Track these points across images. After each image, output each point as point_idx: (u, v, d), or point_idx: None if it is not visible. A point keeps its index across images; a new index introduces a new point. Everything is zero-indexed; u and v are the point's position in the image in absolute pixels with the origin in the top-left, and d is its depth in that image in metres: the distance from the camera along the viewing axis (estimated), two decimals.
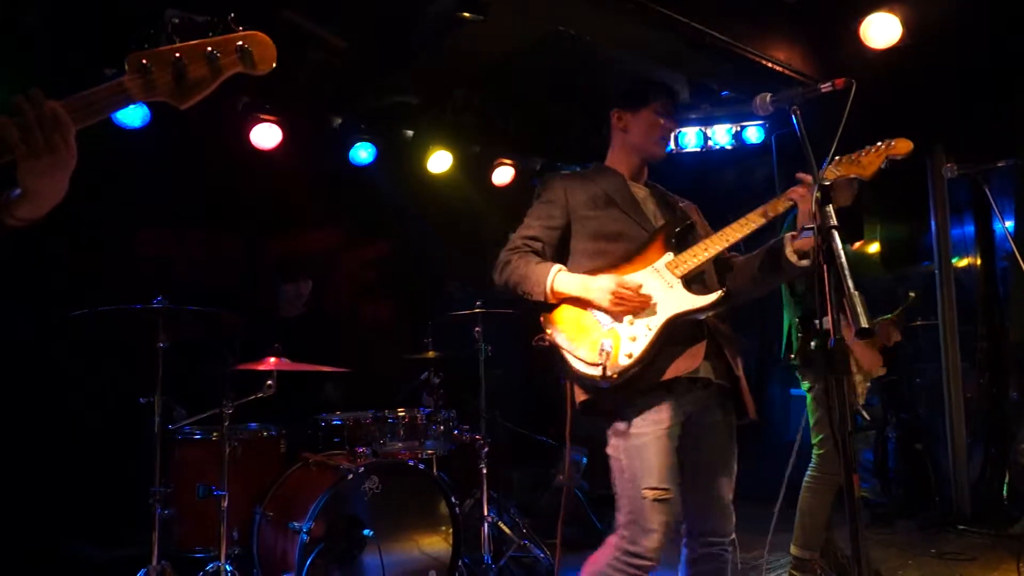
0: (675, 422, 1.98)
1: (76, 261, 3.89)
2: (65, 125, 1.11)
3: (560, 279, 2.08)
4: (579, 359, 2.00)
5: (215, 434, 3.19)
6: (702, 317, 2.01)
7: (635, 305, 1.98)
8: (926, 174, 5.04)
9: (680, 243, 2.10)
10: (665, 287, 2.02)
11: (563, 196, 2.22)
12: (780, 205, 2.05)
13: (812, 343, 3.37)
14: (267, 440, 3.39)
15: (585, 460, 4.63)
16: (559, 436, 4.68)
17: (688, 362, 1.99)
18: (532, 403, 5.28)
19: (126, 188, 4.11)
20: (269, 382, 3.07)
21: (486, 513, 3.60)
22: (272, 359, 3.20)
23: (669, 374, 1.96)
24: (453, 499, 3.24)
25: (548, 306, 2.11)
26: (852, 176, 2.05)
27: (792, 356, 3.40)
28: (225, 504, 2.97)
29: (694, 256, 2.05)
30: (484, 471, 3.64)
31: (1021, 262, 3.14)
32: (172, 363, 3.02)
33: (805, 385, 3.42)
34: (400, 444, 3.42)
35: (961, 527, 4.51)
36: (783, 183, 5.30)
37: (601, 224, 2.17)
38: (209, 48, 1.21)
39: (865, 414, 3.50)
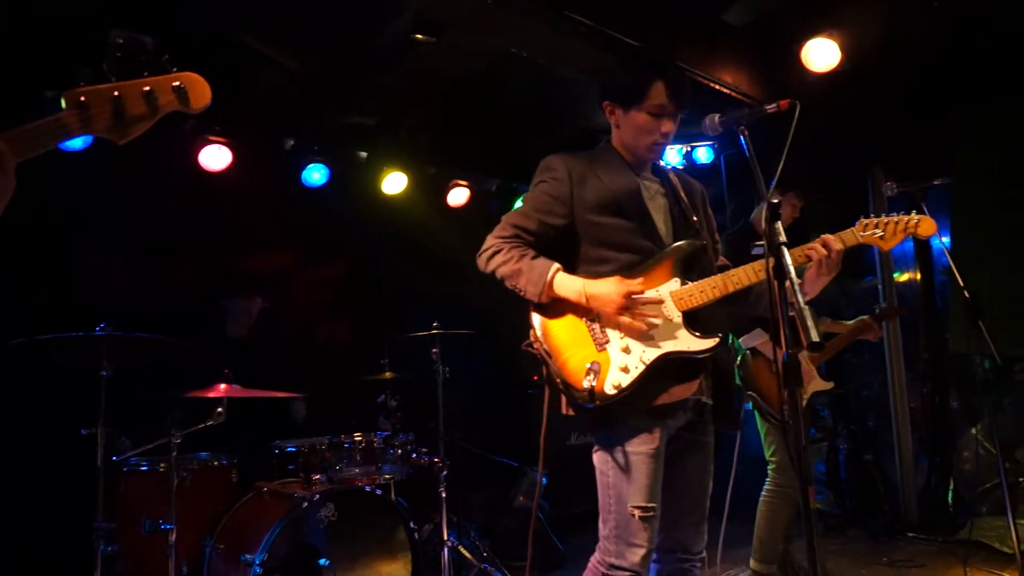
0: (664, 442, 1.96)
1: (15, 287, 3.73)
2: (3, 155, 1.14)
3: (560, 280, 1.97)
4: (564, 374, 1.93)
5: (162, 465, 3.08)
6: (697, 358, 1.97)
7: (640, 312, 1.92)
8: (867, 192, 5.23)
9: (689, 269, 2.04)
10: (665, 318, 1.96)
11: (568, 191, 2.07)
12: (796, 261, 1.99)
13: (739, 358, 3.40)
14: (218, 470, 3.28)
15: (545, 480, 4.61)
16: (519, 457, 4.67)
17: (683, 389, 1.96)
18: (491, 424, 5.24)
19: (69, 211, 3.98)
20: (219, 409, 2.98)
21: (446, 537, 3.55)
22: (222, 386, 3.11)
23: (662, 400, 1.93)
24: (412, 524, 3.19)
25: (540, 306, 2.01)
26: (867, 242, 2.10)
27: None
28: (173, 538, 2.85)
29: (701, 293, 1.98)
30: (443, 495, 3.60)
31: (958, 276, 3.27)
32: (116, 392, 2.91)
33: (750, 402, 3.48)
34: (357, 470, 3.35)
35: (910, 534, 4.63)
36: (732, 201, 5.44)
37: (606, 232, 2.05)
38: (147, 88, 1.27)
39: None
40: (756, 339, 3.33)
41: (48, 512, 3.53)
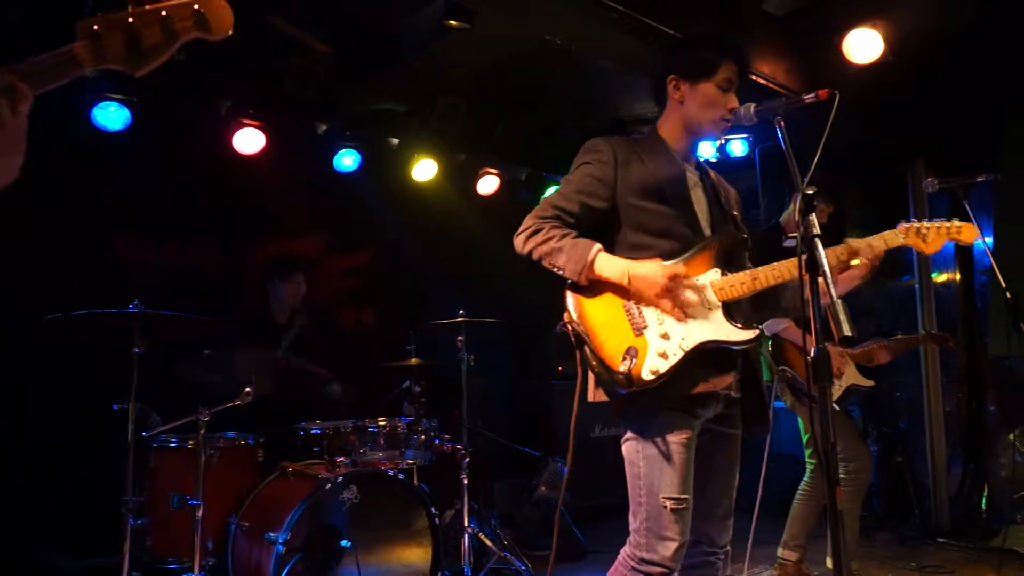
0: (695, 434, 1.94)
1: (51, 265, 3.81)
2: (20, 91, 1.09)
3: (601, 260, 1.92)
4: (600, 357, 1.88)
5: (191, 442, 3.13)
6: (734, 349, 1.95)
7: (682, 300, 1.88)
8: (907, 187, 5.09)
9: (728, 261, 2.01)
10: (704, 307, 1.93)
11: (612, 173, 2.03)
12: (837, 258, 2.01)
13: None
14: (244, 449, 3.33)
15: (566, 470, 4.59)
16: (542, 447, 4.67)
17: (718, 380, 1.94)
18: (514, 413, 5.24)
19: (106, 191, 4.05)
20: (247, 389, 3.02)
21: (467, 524, 3.56)
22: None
23: (699, 389, 1.90)
24: (433, 510, 3.20)
25: (576, 286, 1.97)
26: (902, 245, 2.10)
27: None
28: (200, 514, 2.91)
29: (742, 284, 1.95)
30: (465, 482, 3.61)
31: (1000, 277, 3.17)
32: (148, 369, 2.97)
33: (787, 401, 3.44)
34: (380, 454, 3.38)
35: (941, 540, 4.53)
36: (767, 195, 5.34)
37: (648, 218, 2.02)
38: (164, 12, 1.18)
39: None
40: (778, 325, 3.32)
41: (80, 484, 3.62)
